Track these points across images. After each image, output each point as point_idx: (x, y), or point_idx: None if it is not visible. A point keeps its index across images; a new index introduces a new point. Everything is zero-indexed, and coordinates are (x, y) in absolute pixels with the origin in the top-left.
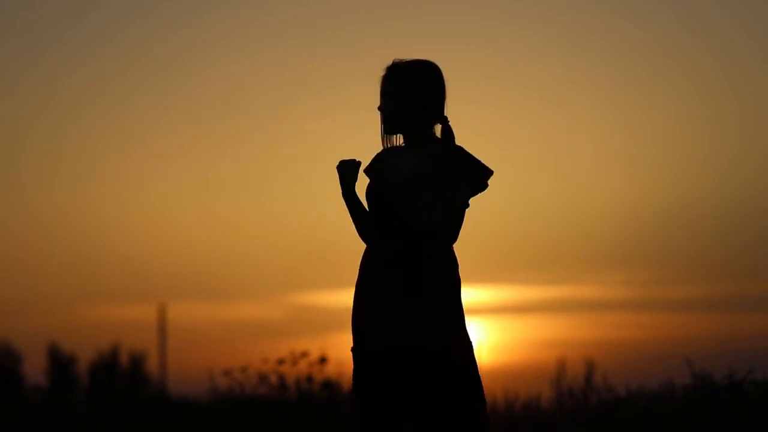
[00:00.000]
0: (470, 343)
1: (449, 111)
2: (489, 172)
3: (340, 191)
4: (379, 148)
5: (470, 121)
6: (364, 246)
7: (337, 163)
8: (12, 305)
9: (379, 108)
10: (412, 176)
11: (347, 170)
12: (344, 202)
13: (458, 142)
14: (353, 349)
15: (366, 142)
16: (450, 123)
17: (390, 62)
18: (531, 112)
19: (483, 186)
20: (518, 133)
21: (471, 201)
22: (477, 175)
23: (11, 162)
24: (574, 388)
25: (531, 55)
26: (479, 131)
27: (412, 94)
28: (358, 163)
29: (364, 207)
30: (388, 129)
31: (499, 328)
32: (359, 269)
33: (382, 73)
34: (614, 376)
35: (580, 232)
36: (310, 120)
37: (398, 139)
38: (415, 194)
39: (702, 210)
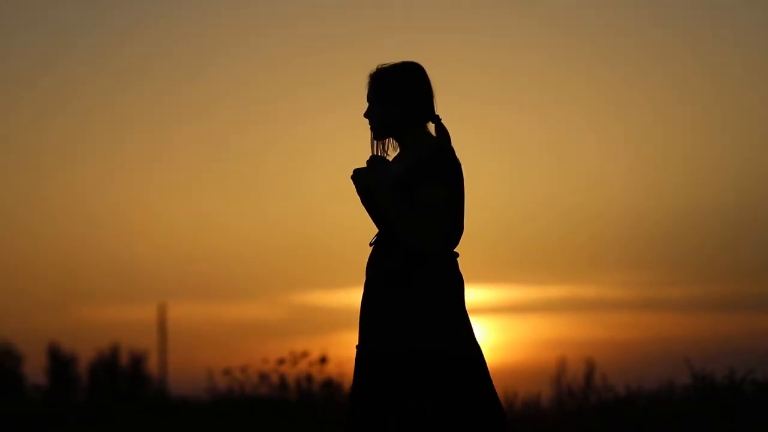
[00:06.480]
0: (466, 348)
1: (449, 108)
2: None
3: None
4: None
5: (471, 119)
6: (363, 246)
7: (353, 174)
8: (12, 305)
9: (365, 115)
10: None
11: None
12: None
13: (458, 140)
14: (357, 347)
15: (367, 139)
16: (442, 120)
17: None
18: (532, 111)
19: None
20: (519, 132)
21: (471, 199)
22: (445, 176)
23: (10, 162)
24: (574, 388)
25: (533, 52)
26: (480, 129)
27: (396, 96)
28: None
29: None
30: (377, 134)
31: (499, 328)
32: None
33: (366, 81)
34: (614, 376)
35: (581, 232)
36: (311, 118)
37: (390, 143)
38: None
39: (702, 210)
